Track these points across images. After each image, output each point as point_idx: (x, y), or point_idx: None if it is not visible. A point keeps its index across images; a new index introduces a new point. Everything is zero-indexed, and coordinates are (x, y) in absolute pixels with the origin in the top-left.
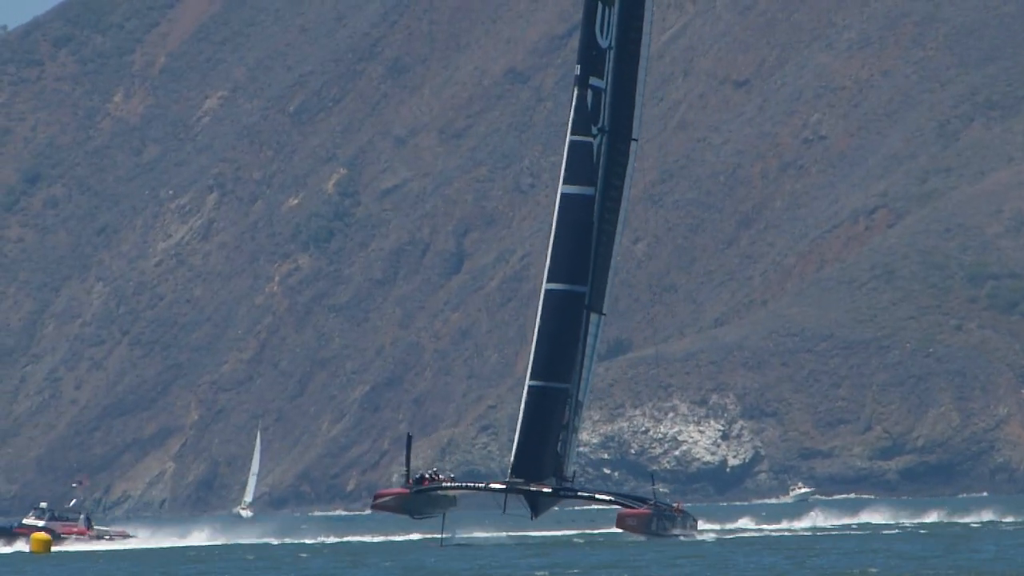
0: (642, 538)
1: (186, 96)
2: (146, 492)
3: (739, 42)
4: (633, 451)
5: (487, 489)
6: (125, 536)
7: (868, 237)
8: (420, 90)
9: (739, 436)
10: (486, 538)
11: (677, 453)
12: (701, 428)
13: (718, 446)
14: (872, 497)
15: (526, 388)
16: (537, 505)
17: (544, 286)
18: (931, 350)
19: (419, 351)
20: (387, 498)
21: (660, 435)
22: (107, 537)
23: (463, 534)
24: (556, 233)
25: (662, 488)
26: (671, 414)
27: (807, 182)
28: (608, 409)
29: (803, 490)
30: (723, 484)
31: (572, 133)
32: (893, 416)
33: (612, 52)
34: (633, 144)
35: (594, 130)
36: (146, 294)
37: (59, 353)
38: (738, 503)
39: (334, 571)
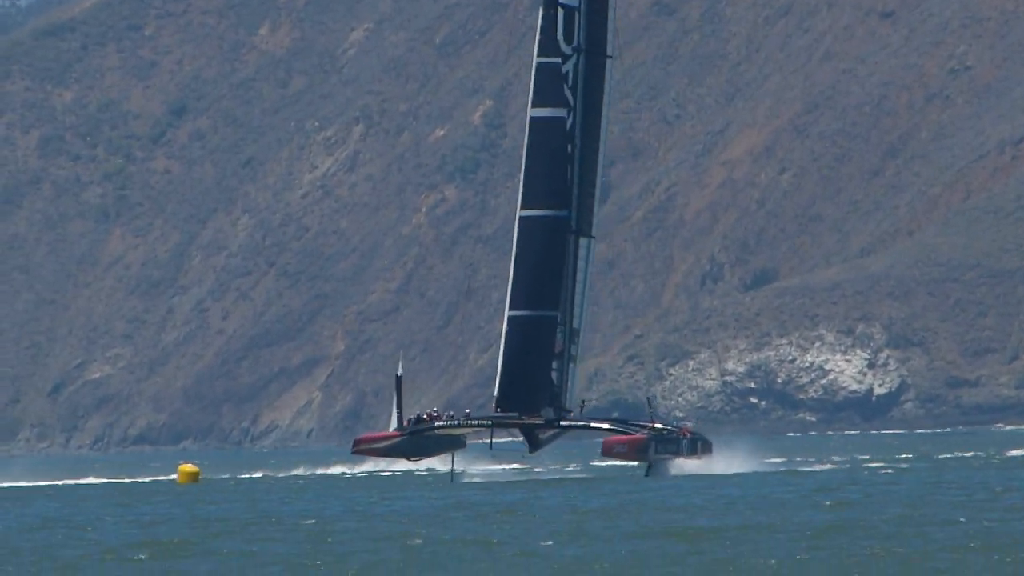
0: (641, 465)
1: (331, 28)
2: (293, 422)
3: None
4: (780, 380)
5: (479, 426)
6: None
7: (1014, 167)
8: None
9: (885, 365)
10: (498, 471)
11: (824, 382)
12: (847, 357)
13: (864, 375)
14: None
15: (505, 319)
16: (535, 439)
17: (518, 213)
18: None
19: None
20: (376, 443)
21: (806, 364)
22: None
23: (475, 468)
24: (527, 158)
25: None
26: (817, 343)
27: (953, 113)
28: (754, 338)
29: None
30: (869, 413)
31: (538, 55)
32: None
33: None
34: (608, 62)
35: (568, 49)
36: (292, 226)
37: (206, 285)
38: (885, 431)
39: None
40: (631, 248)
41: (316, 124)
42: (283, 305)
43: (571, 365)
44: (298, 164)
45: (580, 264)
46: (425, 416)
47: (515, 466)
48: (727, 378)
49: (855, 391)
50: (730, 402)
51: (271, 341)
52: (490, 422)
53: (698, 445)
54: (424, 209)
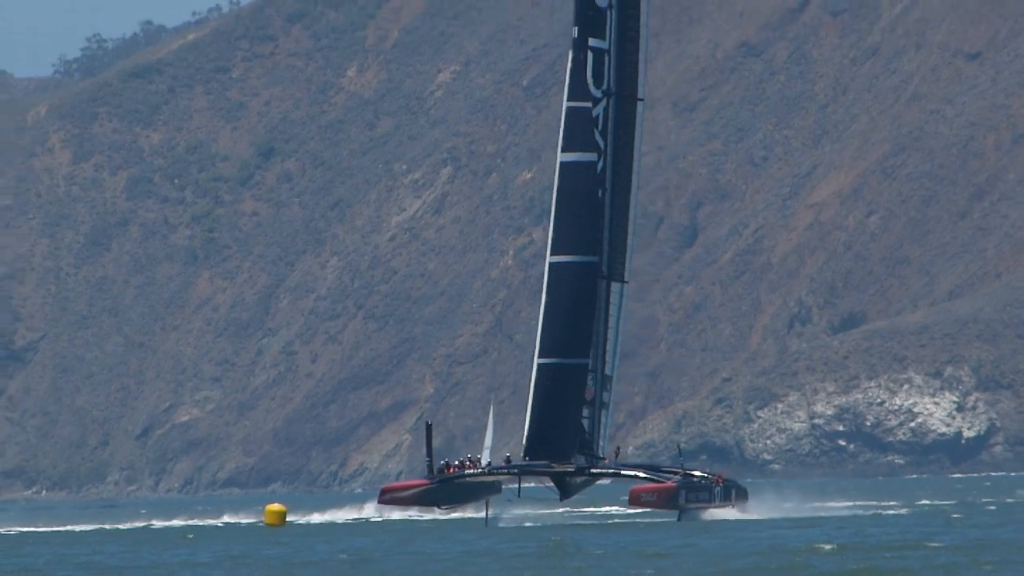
0: (671, 516)
1: (419, 70)
2: (382, 464)
3: (971, 14)
4: (868, 423)
5: (509, 473)
6: None
7: None
8: (653, 63)
9: (974, 408)
10: (536, 515)
11: (912, 425)
12: (936, 400)
13: (953, 418)
14: None
15: (535, 367)
16: (566, 487)
17: (548, 259)
18: None
19: (653, 324)
20: (404, 492)
21: (895, 407)
22: None
23: (510, 512)
24: (557, 203)
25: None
26: (906, 386)
27: None
28: (843, 381)
29: None
30: (958, 456)
31: (568, 99)
32: None
33: (613, 11)
34: (639, 104)
35: (598, 93)
36: (380, 268)
37: (294, 327)
38: (974, 474)
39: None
40: (718, 291)
41: (404, 166)
42: (371, 348)
43: (603, 412)
44: (386, 206)
45: (612, 310)
46: (457, 464)
47: (548, 511)
48: (815, 421)
49: (944, 434)
50: (819, 445)
51: (360, 384)
52: (518, 470)
53: (732, 492)
54: (512, 251)
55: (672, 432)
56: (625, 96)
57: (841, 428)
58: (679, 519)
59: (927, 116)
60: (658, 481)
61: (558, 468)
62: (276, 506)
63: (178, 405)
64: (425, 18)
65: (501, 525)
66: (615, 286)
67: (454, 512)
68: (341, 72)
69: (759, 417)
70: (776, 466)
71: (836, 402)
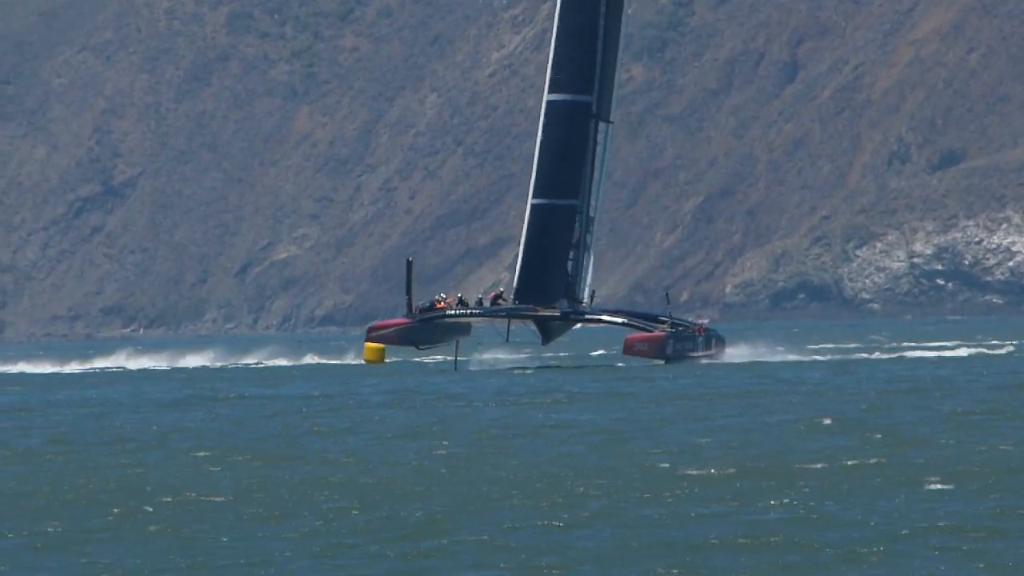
0: (660, 363)
1: None
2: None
3: None
4: (967, 262)
5: (492, 315)
6: None
7: None
8: None
9: None
10: (508, 360)
11: (1011, 264)
12: None
13: None
14: None
15: (528, 207)
16: (548, 330)
17: (545, 97)
18: None
19: (752, 162)
20: (386, 330)
21: (994, 246)
22: None
23: (479, 356)
24: (557, 37)
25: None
26: (1004, 225)
27: None
28: (941, 220)
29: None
30: None
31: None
32: None
33: None
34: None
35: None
36: (479, 104)
37: (393, 163)
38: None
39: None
40: (818, 128)
41: (504, 2)
42: (470, 184)
43: (586, 254)
44: (486, 42)
45: (599, 150)
46: (435, 302)
47: (525, 355)
48: (914, 260)
49: None
50: (917, 284)
51: (458, 221)
52: (504, 312)
53: (712, 341)
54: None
55: (771, 270)
56: None
57: (940, 267)
58: (666, 362)
59: None
60: (647, 330)
61: (544, 312)
62: (375, 344)
63: (276, 242)
64: None
65: (472, 368)
66: (602, 126)
67: (430, 348)
68: None
69: (858, 256)
70: (875, 305)
71: (935, 241)
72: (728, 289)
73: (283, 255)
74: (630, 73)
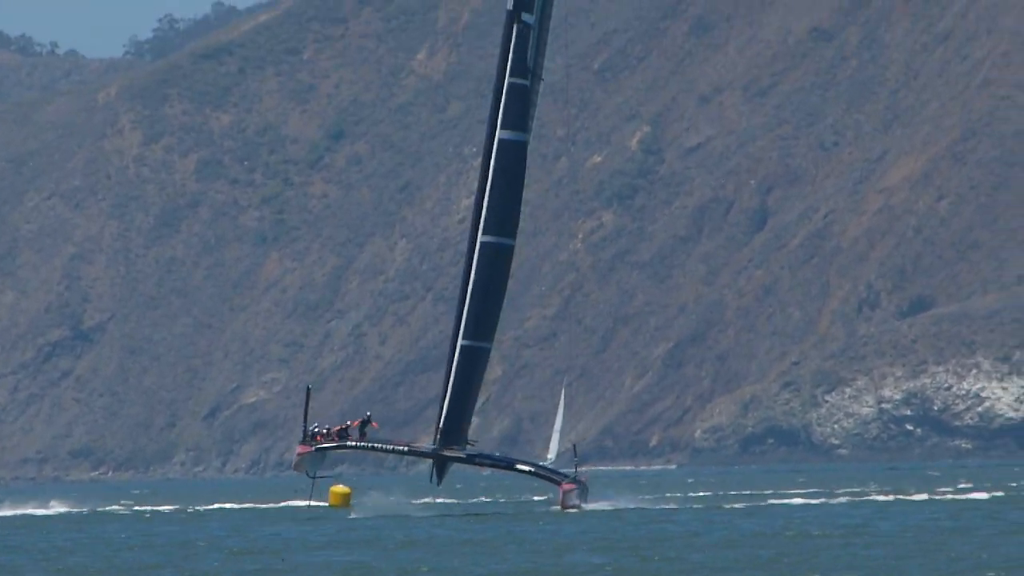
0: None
1: (489, 53)
2: None
3: None
4: (936, 407)
5: (393, 451)
6: None
7: None
8: (724, 48)
9: None
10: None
11: (980, 409)
12: (1004, 385)
13: (1021, 403)
14: None
15: (458, 348)
16: (443, 471)
17: (480, 238)
18: None
19: (722, 308)
20: (297, 459)
21: (963, 391)
22: None
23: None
24: (492, 181)
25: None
26: (974, 371)
27: None
28: (911, 366)
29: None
30: None
31: (510, 75)
32: None
33: None
34: (541, 84)
35: (527, 72)
36: (449, 250)
37: (363, 309)
38: None
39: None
40: (788, 275)
41: (473, 149)
42: (440, 330)
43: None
44: (455, 189)
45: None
46: (319, 432)
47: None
48: (883, 405)
49: (1011, 418)
50: (886, 429)
51: (428, 366)
52: (405, 448)
53: (586, 491)
54: (581, 235)
55: (740, 415)
56: (538, 77)
57: (909, 413)
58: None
59: (998, 102)
60: (556, 481)
61: (448, 453)
62: (340, 488)
63: (245, 386)
64: (496, 1)
65: (352, 516)
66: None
67: (321, 479)
68: (411, 55)
69: (827, 401)
70: (843, 451)
71: (904, 386)
72: (698, 434)
73: (252, 399)
74: (600, 220)
